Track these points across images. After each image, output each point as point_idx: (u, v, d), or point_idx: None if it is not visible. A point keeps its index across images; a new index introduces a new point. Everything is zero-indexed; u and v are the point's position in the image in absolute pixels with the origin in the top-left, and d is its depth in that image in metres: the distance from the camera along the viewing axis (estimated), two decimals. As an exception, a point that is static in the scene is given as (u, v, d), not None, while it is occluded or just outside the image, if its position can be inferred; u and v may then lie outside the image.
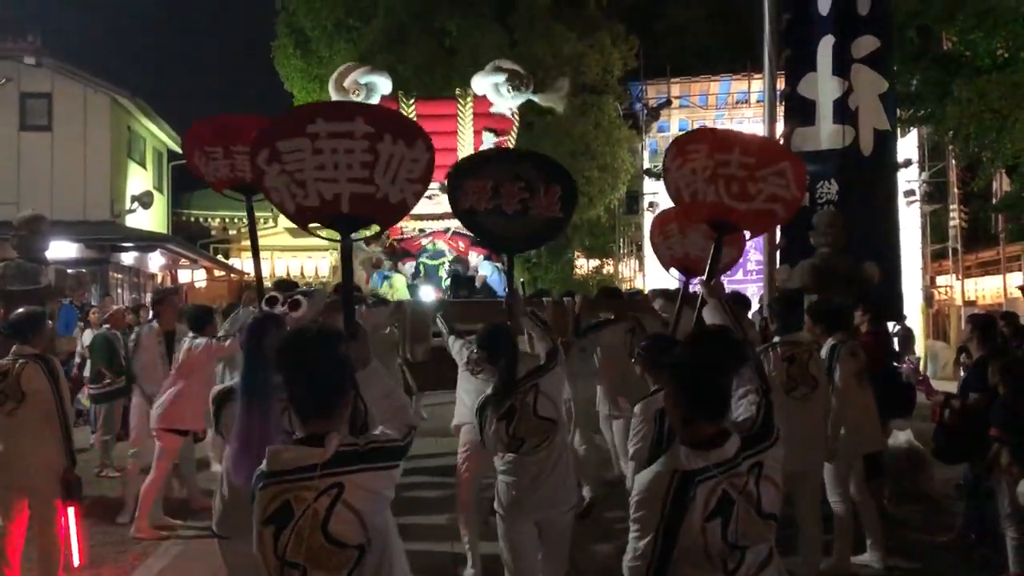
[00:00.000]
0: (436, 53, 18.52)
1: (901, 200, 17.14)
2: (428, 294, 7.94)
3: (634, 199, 20.88)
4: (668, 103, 20.02)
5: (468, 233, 8.27)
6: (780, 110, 9.14)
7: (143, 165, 21.44)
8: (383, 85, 7.98)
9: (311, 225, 3.17)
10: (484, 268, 8.11)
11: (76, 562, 5.05)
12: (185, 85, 45.22)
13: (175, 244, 19.84)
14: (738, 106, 20.73)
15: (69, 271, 8.45)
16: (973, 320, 6.12)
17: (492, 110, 8.26)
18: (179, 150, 23.54)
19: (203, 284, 22.43)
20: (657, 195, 19.64)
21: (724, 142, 3.76)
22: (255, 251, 4.75)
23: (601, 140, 18.16)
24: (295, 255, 24.87)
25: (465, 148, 8.12)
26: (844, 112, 8.20)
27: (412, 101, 8.19)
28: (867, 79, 8.21)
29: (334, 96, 7.86)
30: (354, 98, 7.83)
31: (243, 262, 25.95)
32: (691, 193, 3.84)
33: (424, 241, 8.28)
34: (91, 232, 17.10)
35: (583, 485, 6.59)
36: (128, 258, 18.57)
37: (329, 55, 19.59)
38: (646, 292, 7.12)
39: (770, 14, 8.76)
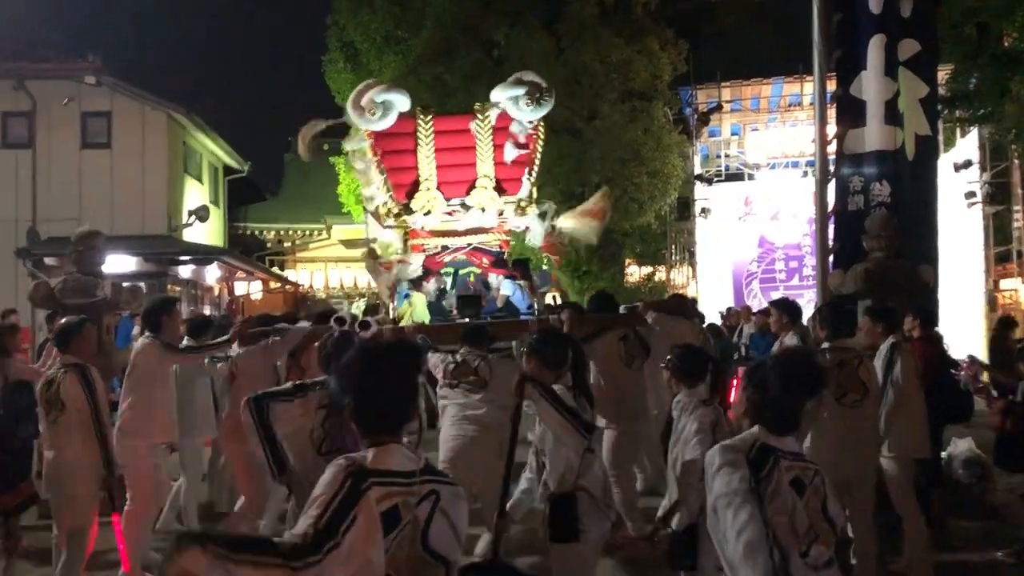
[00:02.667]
0: (484, 63, 18.58)
1: (962, 202, 16.74)
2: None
3: (685, 205, 20.67)
4: (719, 107, 19.81)
5: (491, 249, 8.21)
6: (832, 112, 8.99)
7: (199, 180, 21.88)
8: (401, 103, 7.94)
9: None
10: (505, 287, 8.04)
11: (124, 569, 5.11)
12: (239, 100, 46.13)
13: (231, 257, 20.18)
14: (791, 109, 20.45)
15: (124, 284, 8.64)
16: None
17: (512, 128, 8.19)
18: (234, 164, 24.06)
19: (259, 296, 22.78)
20: (708, 200, 19.47)
21: None
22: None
23: (650, 146, 18.02)
24: (348, 266, 25.12)
25: (484, 163, 8.08)
26: (894, 113, 8.03)
27: (430, 118, 8.16)
28: (910, 83, 8.04)
29: (352, 115, 7.86)
30: (370, 117, 7.79)
31: (298, 274, 26.32)
32: None
33: (447, 258, 8.22)
34: (149, 246, 17.49)
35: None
36: (185, 271, 18.94)
37: (378, 68, 19.76)
38: (639, 305, 6.97)
39: (820, 14, 8.62)
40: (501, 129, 8.09)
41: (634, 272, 23.69)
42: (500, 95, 7.93)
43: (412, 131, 8.09)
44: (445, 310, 7.79)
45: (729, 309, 15.17)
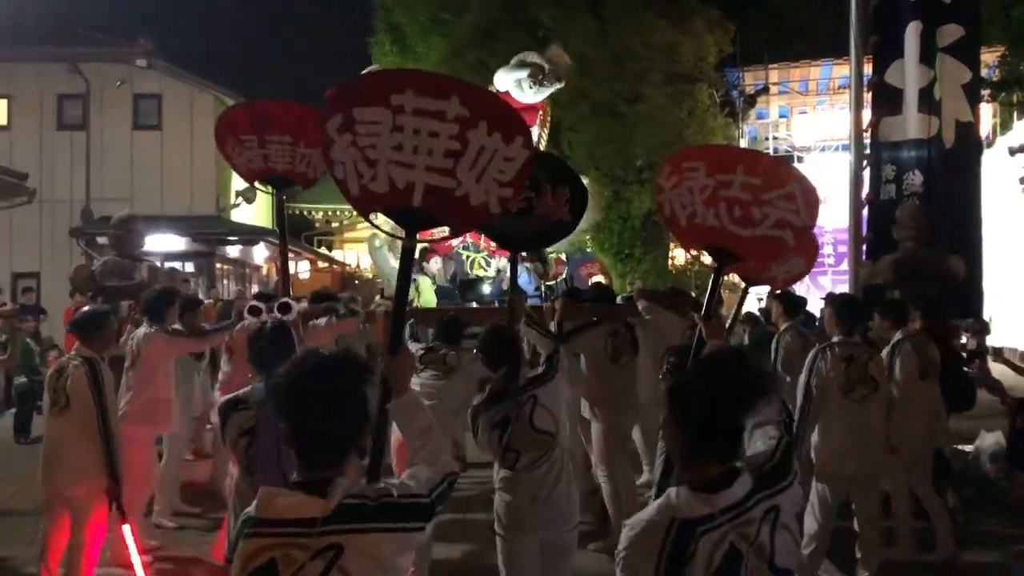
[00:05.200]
0: (528, 45, 18.51)
1: (1016, 188, 16.29)
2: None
3: (731, 188, 20.41)
4: (766, 90, 19.52)
5: None
6: (868, 98, 8.84)
7: (248, 161, 22.24)
8: None
9: (373, 216, 2.80)
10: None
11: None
12: (286, 82, 46.58)
13: (277, 237, 20.51)
14: (840, 91, 20.03)
15: (164, 266, 8.89)
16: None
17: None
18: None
19: (307, 275, 23.16)
20: (754, 184, 19.25)
21: (725, 161, 3.31)
22: (284, 253, 4.73)
23: (694, 128, 17.84)
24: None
25: None
26: (930, 101, 7.87)
27: None
28: (950, 68, 7.86)
29: None
30: None
31: (345, 254, 26.65)
32: (688, 216, 3.34)
33: (454, 242, 8.22)
34: (198, 226, 17.87)
35: None
36: (233, 251, 19.34)
37: (424, 50, 19.86)
38: (635, 294, 6.87)
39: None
40: None
41: (678, 256, 23.47)
42: (504, 78, 7.91)
43: None
44: (453, 293, 7.82)
45: (769, 294, 14.96)
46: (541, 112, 8.08)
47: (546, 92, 7.78)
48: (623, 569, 1.97)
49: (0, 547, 6.10)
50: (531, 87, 7.73)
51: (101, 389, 4.55)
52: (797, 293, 7.57)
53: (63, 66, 18.23)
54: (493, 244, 8.16)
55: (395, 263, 8.19)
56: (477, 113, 2.54)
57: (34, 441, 9.53)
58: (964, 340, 7.71)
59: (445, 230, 7.70)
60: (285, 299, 4.18)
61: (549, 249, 10.37)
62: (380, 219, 2.82)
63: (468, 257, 8.58)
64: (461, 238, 8.17)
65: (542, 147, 8.20)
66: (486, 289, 8.25)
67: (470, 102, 2.54)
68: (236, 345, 5.99)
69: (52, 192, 17.93)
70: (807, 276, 17.90)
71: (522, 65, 7.84)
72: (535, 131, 8.06)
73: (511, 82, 7.80)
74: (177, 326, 6.19)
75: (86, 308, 5.13)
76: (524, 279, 7.92)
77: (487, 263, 8.57)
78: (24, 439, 10.03)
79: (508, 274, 7.95)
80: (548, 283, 8.68)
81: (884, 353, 5.37)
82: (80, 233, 17.23)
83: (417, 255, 8.00)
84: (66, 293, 12.98)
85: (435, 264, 8.04)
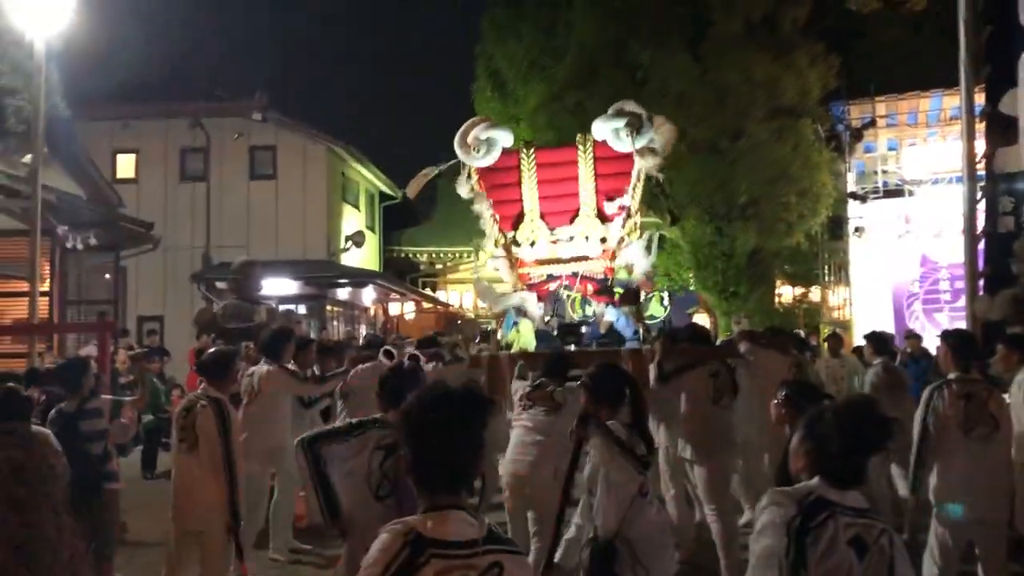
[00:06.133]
0: (626, 86, 18.65)
1: None
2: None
3: (838, 223, 19.95)
4: (873, 123, 19.07)
5: (595, 276, 8.24)
6: (981, 129, 8.62)
7: (356, 206, 23.02)
8: (503, 139, 8.17)
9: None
10: (610, 314, 8.06)
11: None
12: (394, 130, 48.02)
13: (385, 280, 21.09)
14: (952, 122, 19.39)
15: (281, 309, 9.30)
16: None
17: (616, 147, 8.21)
18: (389, 191, 25.15)
19: (412, 316, 23.65)
20: (863, 219, 18.76)
21: None
22: None
23: (799, 164, 17.56)
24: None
25: (585, 194, 8.17)
26: (1047, 131, 7.62)
27: (532, 152, 8.34)
28: (1066, 97, 7.60)
29: (458, 152, 8.14)
30: (475, 154, 8.05)
31: (448, 294, 27.13)
32: None
33: (552, 286, 8.34)
34: (310, 270, 18.54)
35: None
36: (343, 293, 19.94)
37: (524, 94, 20.23)
38: (735, 336, 6.81)
39: (967, 27, 8.31)
40: (602, 159, 8.18)
41: (785, 293, 23.01)
42: (601, 127, 8.03)
43: (516, 165, 8.30)
44: (552, 337, 7.92)
45: (909, 334, 14.49)
46: (635, 177, 8.19)
47: (643, 141, 7.85)
48: (762, 529, 2.34)
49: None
50: (627, 135, 7.82)
51: (228, 429, 4.73)
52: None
53: (185, 121, 19.33)
54: (590, 288, 8.26)
55: (496, 295, 8.40)
56: None
57: (160, 476, 10.02)
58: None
59: (544, 275, 7.88)
60: (388, 347, 4.45)
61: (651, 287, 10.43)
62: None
63: (568, 296, 8.70)
64: (558, 282, 8.31)
65: (636, 198, 8.29)
66: (583, 332, 8.36)
67: None
68: (351, 389, 6.22)
69: (175, 240, 18.90)
70: (922, 313, 17.24)
71: (620, 114, 7.95)
72: (629, 186, 8.19)
73: (608, 131, 7.91)
74: (292, 366, 6.46)
75: (212, 350, 5.35)
76: (622, 323, 7.98)
77: (584, 305, 8.69)
78: (150, 474, 10.55)
79: (605, 318, 8.02)
80: (647, 322, 8.73)
81: (1017, 383, 5.20)
82: (200, 278, 18.09)
83: (519, 300, 8.21)
84: (187, 335, 13.69)
85: (534, 307, 8.21)
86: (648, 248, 8.12)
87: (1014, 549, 5.11)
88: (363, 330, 20.28)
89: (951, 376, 4.83)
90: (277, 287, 16.31)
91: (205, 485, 4.72)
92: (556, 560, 3.64)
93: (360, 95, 54.85)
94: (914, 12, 20.12)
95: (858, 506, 2.36)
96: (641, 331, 7.98)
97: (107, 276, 15.71)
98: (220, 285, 16.99)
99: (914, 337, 11.79)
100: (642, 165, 8.07)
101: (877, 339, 6.94)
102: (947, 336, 5.15)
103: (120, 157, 20.00)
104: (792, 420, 3.96)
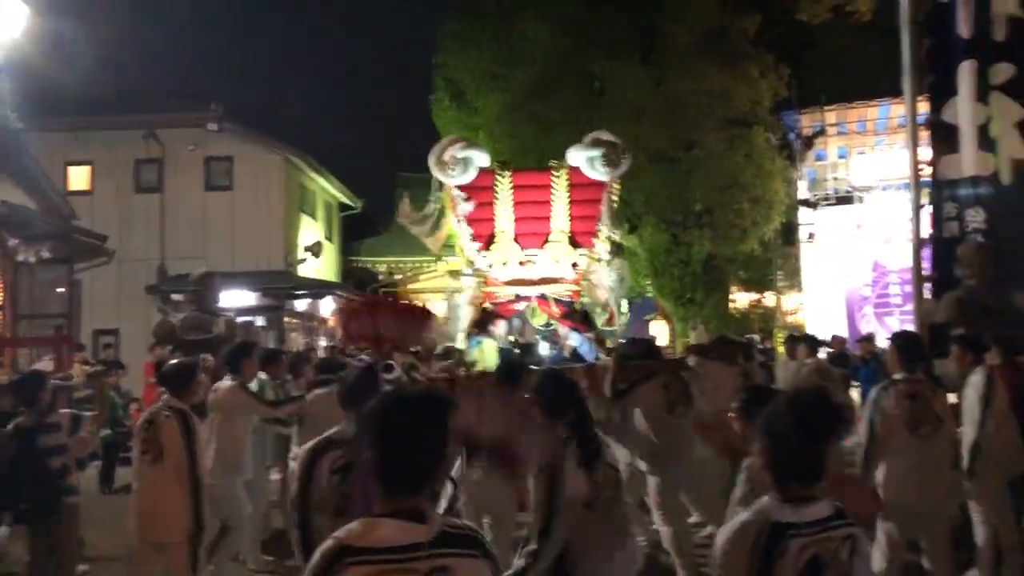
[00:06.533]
0: (584, 96, 18.89)
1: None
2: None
3: (791, 230, 20.33)
4: (823, 131, 19.48)
5: (561, 298, 8.38)
6: (925, 136, 8.87)
7: (314, 217, 22.93)
8: (480, 159, 8.31)
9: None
10: (573, 339, 8.22)
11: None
12: (352, 140, 47.98)
13: (343, 290, 21.01)
14: (899, 130, 19.86)
15: (240, 321, 9.28)
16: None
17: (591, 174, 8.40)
18: (348, 201, 25.09)
19: (371, 327, 23.55)
20: (814, 225, 19.13)
21: None
22: None
23: (752, 172, 17.92)
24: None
25: (558, 219, 8.32)
26: (987, 139, 7.88)
27: (508, 173, 8.47)
28: (1003, 107, 7.86)
29: (434, 170, 8.24)
30: (451, 172, 8.17)
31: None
32: None
33: (518, 306, 8.48)
34: (267, 281, 18.44)
35: None
36: (301, 305, 19.84)
37: (482, 105, 20.35)
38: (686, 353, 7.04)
39: (910, 39, 8.56)
40: (576, 186, 8.33)
41: (740, 299, 23.38)
42: (577, 156, 8.19)
43: (491, 185, 8.41)
44: (514, 356, 8.05)
45: (834, 336, 14.84)
46: (609, 193, 8.32)
47: (618, 172, 8.02)
48: (720, 564, 2.24)
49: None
50: (603, 167, 7.99)
51: (193, 440, 4.71)
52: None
53: (139, 132, 19.13)
54: (556, 310, 8.38)
55: (463, 320, 8.49)
56: None
57: (118, 491, 9.90)
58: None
59: (511, 295, 7.98)
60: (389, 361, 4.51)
61: (611, 296, 10.52)
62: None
63: (528, 306, 8.81)
64: (525, 303, 8.45)
65: (608, 226, 8.45)
66: (545, 351, 8.47)
67: None
68: (307, 414, 6.25)
69: (130, 252, 18.66)
70: (873, 317, 17.54)
71: (596, 144, 8.11)
72: (602, 209, 8.34)
73: (583, 159, 8.07)
74: (262, 376, 6.48)
75: (175, 361, 5.34)
76: (585, 348, 8.13)
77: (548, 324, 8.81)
78: (108, 489, 10.42)
79: (567, 341, 8.16)
80: (609, 348, 8.83)
81: (971, 384, 5.45)
82: (156, 290, 17.91)
83: (485, 319, 8.31)
84: (143, 348, 13.53)
85: (501, 328, 8.32)
86: (621, 280, 8.26)
87: (958, 538, 5.32)
88: (322, 342, 20.17)
89: (897, 376, 5.00)
90: (235, 299, 16.19)
91: (169, 496, 4.69)
92: None
93: (317, 105, 54.67)
94: (861, 23, 20.66)
95: (818, 518, 2.27)
96: (603, 357, 8.12)
97: (60, 289, 15.48)
98: (176, 297, 16.84)
99: (866, 340, 12.07)
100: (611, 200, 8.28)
101: (809, 340, 7.19)
102: (894, 338, 5.34)
103: (73, 169, 19.72)
104: (748, 429, 4.04)
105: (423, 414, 2.06)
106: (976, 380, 5.56)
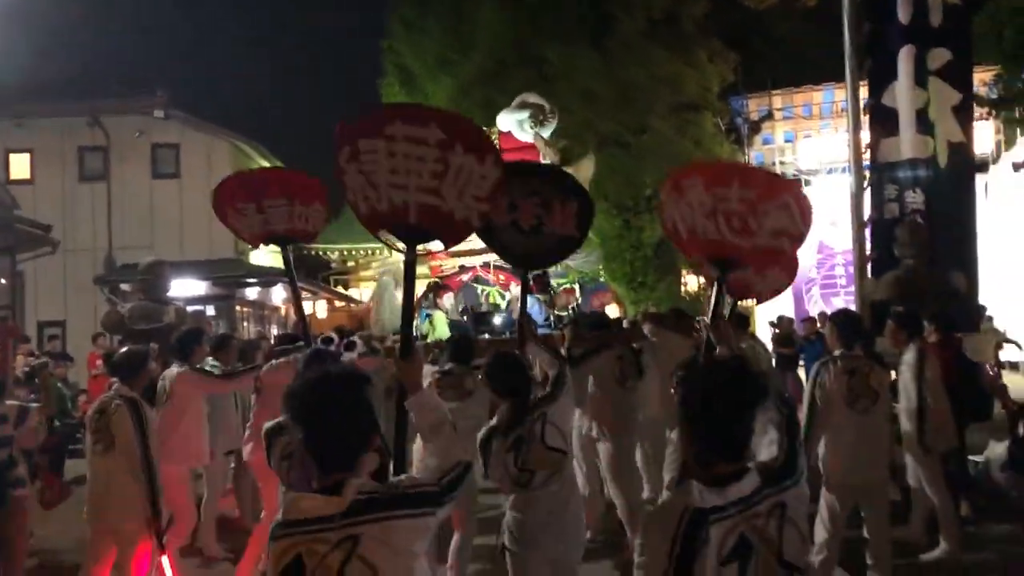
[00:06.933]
0: (534, 81, 18.91)
1: (1022, 202, 16.46)
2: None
3: (740, 214, 20.58)
4: (770, 116, 19.80)
5: (506, 266, 8.35)
6: (866, 120, 9.08)
7: (264, 204, 22.61)
8: None
9: (383, 234, 3.14)
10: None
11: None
12: (301, 127, 47.49)
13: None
14: (843, 114, 20.26)
15: (189, 309, 9.19)
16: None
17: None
18: (298, 188, 24.83)
19: (324, 315, 23.42)
20: (762, 209, 19.41)
21: (721, 176, 3.45)
22: (296, 297, 4.83)
23: (701, 156, 18.12)
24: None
25: None
26: (925, 122, 8.11)
27: None
28: (941, 91, 8.11)
29: None
30: None
31: (361, 292, 26.93)
32: (688, 229, 3.46)
33: (464, 277, 8.47)
34: (217, 270, 18.20)
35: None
36: (252, 293, 19.64)
37: (432, 90, 20.30)
38: (640, 317, 7.14)
39: (851, 24, 8.75)
40: (509, 151, 8.29)
41: (690, 282, 23.67)
42: (506, 119, 8.17)
43: None
44: (466, 327, 8.02)
45: (780, 317, 15.14)
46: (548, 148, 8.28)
47: (546, 132, 8.00)
48: (642, 551, 2.16)
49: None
50: (531, 127, 7.99)
51: (144, 428, 4.69)
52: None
53: (83, 119, 18.74)
54: (502, 277, 8.37)
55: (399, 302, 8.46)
56: (453, 136, 2.96)
57: (68, 483, 9.76)
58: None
59: (455, 267, 7.93)
60: (352, 338, 4.40)
61: (562, 280, 10.60)
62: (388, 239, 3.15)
63: (483, 291, 8.80)
64: (470, 273, 8.43)
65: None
66: (498, 320, 8.45)
67: (446, 126, 2.96)
68: (264, 385, 6.20)
69: (75, 242, 18.35)
70: (819, 298, 17.96)
71: (524, 106, 8.12)
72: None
73: (513, 123, 8.05)
74: (212, 362, 6.43)
75: (124, 349, 5.29)
76: (535, 310, 8.13)
77: (502, 296, 8.77)
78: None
79: (519, 304, 8.17)
80: (558, 313, 8.88)
81: (904, 362, 5.69)
82: (104, 281, 17.59)
83: (431, 291, 8.24)
84: (91, 340, 13.34)
85: (448, 300, 8.25)
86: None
87: (894, 513, 5.51)
88: (274, 330, 20.02)
89: (836, 353, 5.15)
90: (184, 288, 15.99)
91: (122, 485, 4.67)
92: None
93: (266, 92, 53.99)
94: (807, 7, 20.94)
95: (743, 495, 2.18)
96: (552, 318, 8.16)
97: (2, 281, 15.15)
98: (124, 287, 16.57)
99: (810, 320, 12.34)
100: (549, 158, 8.25)
101: (739, 318, 7.41)
102: (833, 316, 5.51)
103: (13, 157, 19.28)
104: None
105: (338, 394, 2.16)
106: (909, 358, 5.81)
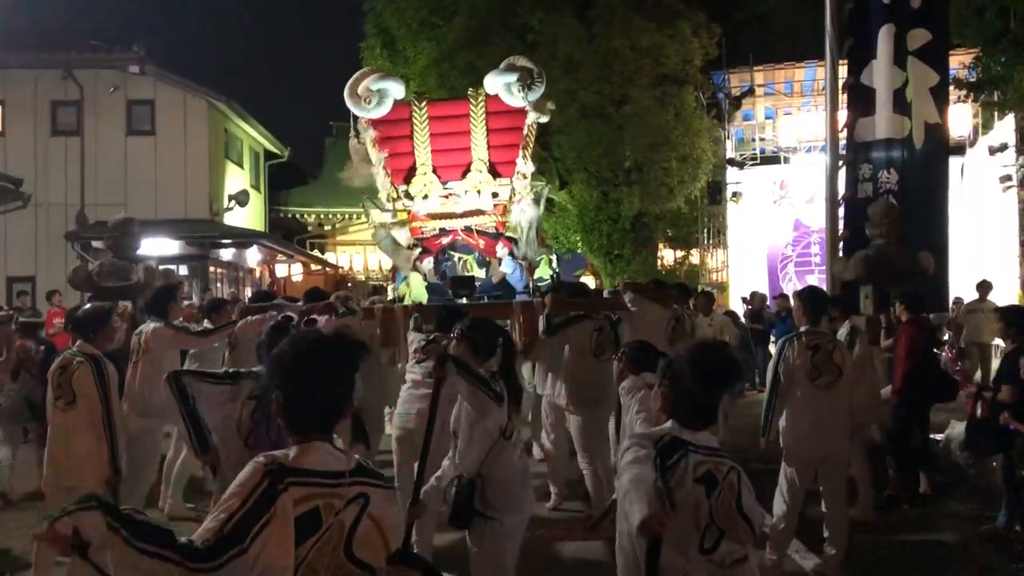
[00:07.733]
0: (517, 48, 18.72)
1: (997, 186, 16.58)
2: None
3: (718, 189, 20.65)
4: (751, 91, 19.72)
5: (487, 231, 8.31)
6: (844, 99, 9.12)
7: (240, 165, 22.44)
8: (395, 90, 8.12)
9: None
10: (507, 264, 8.15)
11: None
12: (280, 87, 46.93)
13: (270, 240, 20.71)
14: (824, 93, 20.28)
15: (160, 267, 9.11)
16: (1002, 312, 6.07)
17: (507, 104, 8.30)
18: (275, 150, 24.61)
19: (300, 278, 23.32)
20: (740, 184, 19.47)
21: None
22: None
23: (681, 130, 18.08)
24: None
25: (477, 148, 8.23)
26: (902, 103, 8.15)
27: (424, 104, 8.31)
28: (919, 72, 8.17)
29: (349, 103, 8.05)
30: (366, 105, 7.98)
31: (338, 256, 26.84)
32: None
33: (444, 240, 8.41)
34: (191, 230, 18.06)
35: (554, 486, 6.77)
36: (227, 254, 19.51)
37: (414, 54, 20.08)
38: (620, 286, 7.19)
39: (832, 1, 8.75)
40: (494, 113, 8.22)
41: (667, 256, 23.77)
42: (493, 81, 8.08)
43: (408, 117, 8.25)
44: (443, 290, 7.98)
45: (753, 293, 15.27)
46: (526, 130, 8.21)
47: (534, 96, 7.92)
48: (627, 449, 2.59)
49: (0, 539, 6.28)
50: (519, 91, 7.90)
51: (106, 385, 4.67)
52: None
53: (57, 72, 18.40)
54: (482, 243, 8.32)
55: (396, 249, 8.37)
56: None
57: (32, 440, 9.69)
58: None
59: (435, 229, 7.89)
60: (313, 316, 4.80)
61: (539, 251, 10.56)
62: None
63: (460, 259, 8.77)
64: (450, 237, 8.38)
65: (527, 164, 8.37)
66: (476, 284, 8.42)
67: None
68: (238, 341, 6.19)
69: (47, 197, 18.13)
70: (795, 275, 18.05)
71: (512, 69, 8.00)
72: (520, 140, 8.27)
73: (500, 85, 7.95)
74: (208, 325, 6.50)
75: (87, 306, 5.26)
76: (516, 276, 8.11)
77: (480, 265, 8.75)
78: (24, 439, 10.18)
79: (500, 268, 8.12)
80: (536, 283, 8.87)
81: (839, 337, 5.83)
82: (75, 237, 17.40)
83: (413, 255, 8.21)
84: (63, 297, 13.22)
85: (428, 264, 8.23)
86: (537, 201, 8.23)
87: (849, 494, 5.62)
88: (248, 292, 19.90)
89: (802, 329, 5.21)
90: (157, 247, 15.85)
91: (82, 441, 4.68)
92: (421, 498, 3.73)
93: (244, 50, 53.29)
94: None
95: (709, 445, 2.63)
96: (531, 284, 8.16)
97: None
98: (96, 244, 16.37)
99: (782, 297, 12.45)
100: (534, 118, 8.17)
101: (707, 295, 7.56)
102: (799, 293, 5.55)
103: (-16, 108, 18.93)
104: (630, 374, 4.22)
105: (332, 356, 2.15)
106: (842, 333, 6.13)
